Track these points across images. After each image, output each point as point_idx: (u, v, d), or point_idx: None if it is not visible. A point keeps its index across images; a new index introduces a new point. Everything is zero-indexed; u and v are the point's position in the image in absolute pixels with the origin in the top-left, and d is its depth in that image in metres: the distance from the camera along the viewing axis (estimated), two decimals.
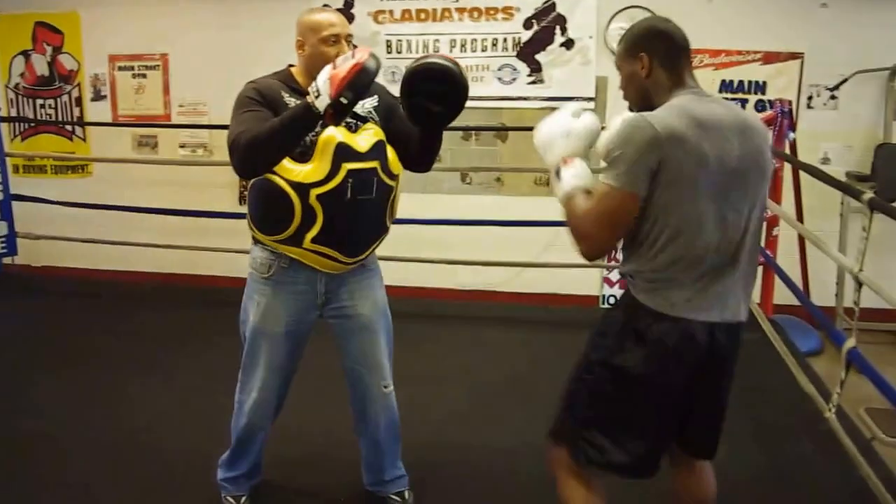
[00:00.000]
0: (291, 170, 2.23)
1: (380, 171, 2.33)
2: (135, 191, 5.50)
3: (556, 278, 4.96)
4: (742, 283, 1.92)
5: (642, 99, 1.95)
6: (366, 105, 2.40)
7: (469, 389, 3.72)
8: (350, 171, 2.25)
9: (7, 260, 5.62)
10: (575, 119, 2.00)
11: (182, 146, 5.61)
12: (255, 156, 2.16)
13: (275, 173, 2.23)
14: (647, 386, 1.89)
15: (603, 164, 1.85)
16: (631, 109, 2.01)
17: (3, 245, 5.47)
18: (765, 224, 4.41)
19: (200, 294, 5.28)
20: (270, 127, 2.14)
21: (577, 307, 4.90)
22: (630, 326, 1.90)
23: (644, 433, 1.94)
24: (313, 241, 2.29)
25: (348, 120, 2.29)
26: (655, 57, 1.91)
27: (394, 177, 2.41)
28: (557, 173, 1.96)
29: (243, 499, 2.69)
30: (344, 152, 2.25)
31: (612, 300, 4.98)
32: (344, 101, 2.04)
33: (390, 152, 2.40)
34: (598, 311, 4.85)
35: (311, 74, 2.21)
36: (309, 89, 2.10)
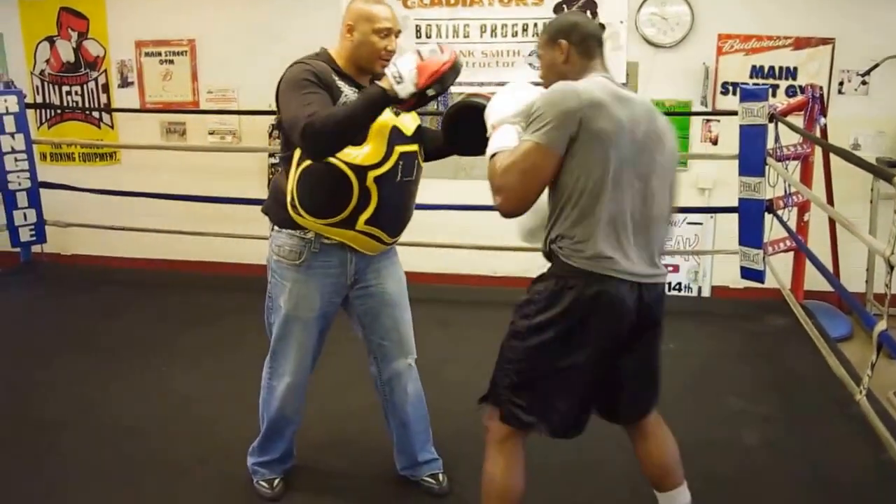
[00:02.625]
0: (349, 153, 2.27)
1: (419, 153, 2.47)
2: (163, 178, 5.51)
3: None
4: (657, 248, 2.07)
5: (560, 81, 2.08)
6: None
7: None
8: (401, 154, 2.36)
9: (36, 248, 5.64)
10: (515, 92, 2.11)
11: (211, 133, 5.61)
12: (331, 138, 2.17)
13: (335, 156, 2.27)
14: (577, 345, 1.98)
15: (524, 124, 1.98)
16: None
17: (32, 233, 5.50)
18: (795, 209, 4.47)
19: (228, 281, 5.29)
20: (348, 110, 2.18)
21: None
22: (558, 289, 1.97)
23: (573, 392, 2.05)
24: (366, 222, 2.36)
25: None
26: (573, 45, 2.09)
27: (426, 158, 2.55)
28: (489, 138, 2.08)
29: (276, 482, 2.71)
30: (396, 135, 2.35)
31: None
32: (431, 92, 2.12)
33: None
34: None
35: (355, 61, 2.37)
36: (387, 73, 2.13)
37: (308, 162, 2.31)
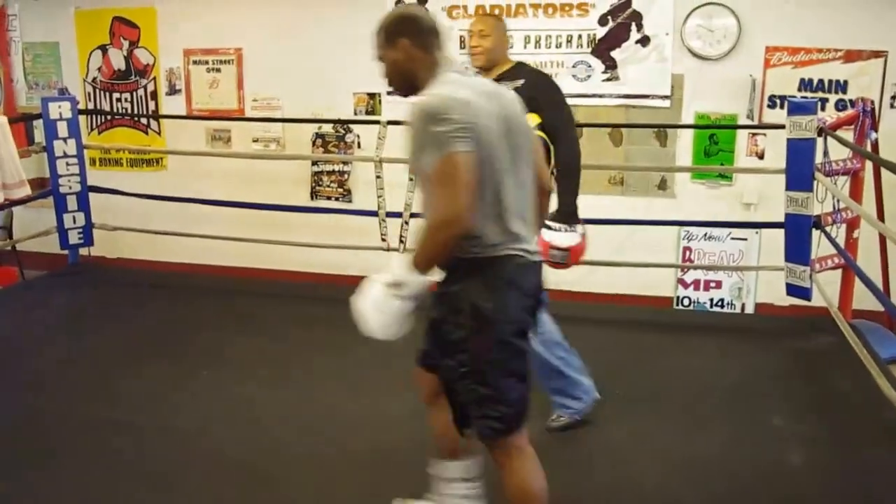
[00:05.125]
0: None
1: None
2: (208, 184, 5.60)
3: (629, 278, 4.92)
4: (534, 230, 2.17)
5: (407, 82, 2.07)
6: (509, 86, 2.61)
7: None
8: None
9: (83, 251, 5.76)
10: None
11: (255, 140, 5.69)
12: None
13: None
14: (511, 326, 2.01)
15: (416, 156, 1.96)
16: (400, 95, 2.15)
17: (80, 236, 5.61)
18: (844, 226, 4.37)
19: (273, 287, 5.35)
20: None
21: (649, 308, 4.86)
22: (477, 283, 1.99)
23: (523, 375, 2.08)
24: None
25: None
26: (412, 41, 2.04)
27: None
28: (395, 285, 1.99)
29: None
30: None
31: (685, 301, 4.93)
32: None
33: None
34: (672, 313, 4.87)
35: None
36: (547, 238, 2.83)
37: None
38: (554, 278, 4.91)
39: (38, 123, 5.70)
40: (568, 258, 2.82)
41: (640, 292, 5.00)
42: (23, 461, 2.97)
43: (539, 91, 2.88)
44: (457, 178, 1.86)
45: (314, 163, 5.56)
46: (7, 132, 5.17)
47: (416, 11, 2.13)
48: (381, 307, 2.01)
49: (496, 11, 5.07)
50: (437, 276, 2.03)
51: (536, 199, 2.15)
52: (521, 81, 2.88)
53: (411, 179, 4.74)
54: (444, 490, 2.34)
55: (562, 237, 2.81)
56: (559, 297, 4.95)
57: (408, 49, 2.04)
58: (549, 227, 2.83)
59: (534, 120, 2.81)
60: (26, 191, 5.25)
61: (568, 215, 2.87)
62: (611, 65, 4.97)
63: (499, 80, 2.89)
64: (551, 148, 2.92)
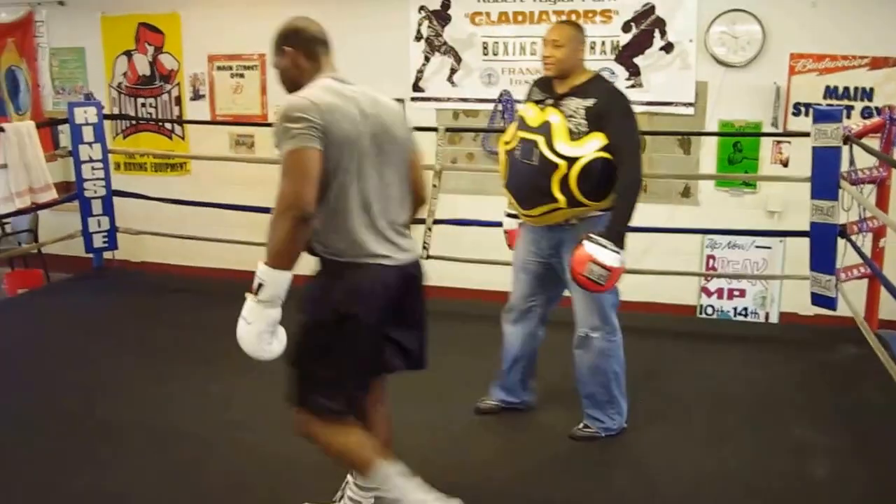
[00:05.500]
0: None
1: (541, 144, 2.88)
2: (231, 189, 5.62)
3: (653, 286, 4.89)
4: (404, 228, 2.31)
5: (294, 86, 2.25)
6: (577, 103, 2.89)
7: (561, 396, 3.55)
8: (521, 139, 2.98)
9: (107, 254, 5.82)
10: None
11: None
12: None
13: None
14: (358, 326, 2.19)
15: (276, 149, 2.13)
16: None
17: (105, 239, 5.67)
18: (870, 235, 4.32)
19: (295, 292, 5.36)
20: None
21: (673, 316, 4.83)
22: (332, 283, 2.21)
23: (363, 370, 2.30)
24: (506, 185, 3.12)
25: (543, 99, 3.00)
26: (297, 50, 2.25)
27: (560, 156, 2.85)
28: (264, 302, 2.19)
29: None
30: (521, 123, 3.04)
31: (709, 310, 4.90)
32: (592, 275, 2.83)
33: (557, 136, 2.87)
34: (695, 322, 4.83)
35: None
36: (590, 250, 2.83)
37: None
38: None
39: (64, 128, 5.79)
40: (607, 278, 2.80)
41: (663, 300, 4.97)
42: (39, 460, 3.01)
43: (609, 112, 2.86)
44: (299, 170, 2.04)
45: None
46: (34, 136, 5.24)
47: (301, 23, 2.32)
48: (248, 318, 2.17)
49: (519, 18, 5.09)
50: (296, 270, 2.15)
51: (408, 206, 2.35)
52: (592, 101, 2.87)
53: (435, 186, 4.75)
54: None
55: (606, 255, 2.79)
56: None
57: (293, 57, 2.26)
58: (597, 243, 2.81)
59: (599, 140, 2.83)
60: (52, 194, 5.32)
61: (617, 237, 2.84)
62: (634, 72, 4.96)
63: (570, 94, 2.93)
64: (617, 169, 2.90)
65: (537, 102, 3.02)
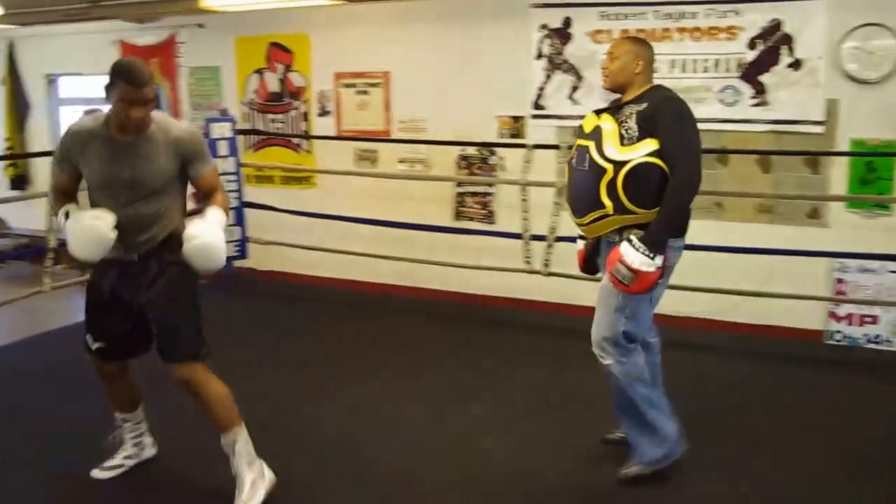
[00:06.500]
0: None
1: (592, 149, 2.85)
2: (355, 203, 5.82)
3: (777, 310, 4.77)
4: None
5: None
6: (631, 108, 2.85)
7: (686, 419, 3.49)
8: (578, 146, 2.97)
9: (237, 263, 6.12)
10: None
11: (401, 161, 5.87)
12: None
13: None
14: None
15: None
16: None
17: (237, 249, 5.97)
18: None
19: (415, 305, 5.52)
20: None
21: (798, 341, 4.70)
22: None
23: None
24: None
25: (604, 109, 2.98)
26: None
27: (608, 160, 2.79)
28: None
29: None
30: (579, 131, 3.03)
31: (837, 336, 4.73)
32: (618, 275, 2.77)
33: (608, 141, 2.82)
34: (822, 348, 4.68)
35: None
36: (625, 251, 2.77)
37: None
38: (692, 308, 4.93)
39: None
40: (633, 281, 2.71)
41: (787, 324, 4.84)
42: (185, 459, 3.21)
43: (660, 116, 2.77)
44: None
45: (458, 184, 5.70)
46: None
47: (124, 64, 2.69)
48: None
49: (641, 36, 5.07)
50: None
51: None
52: (645, 105, 2.82)
53: (557, 203, 4.80)
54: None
55: (635, 257, 2.69)
56: (696, 325, 4.94)
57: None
58: (631, 243, 2.72)
59: (650, 145, 2.75)
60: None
61: (652, 243, 2.72)
62: (760, 89, 4.86)
63: (628, 102, 2.89)
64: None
65: (597, 112, 2.99)
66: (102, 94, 2.64)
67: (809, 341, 4.69)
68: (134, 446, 3.17)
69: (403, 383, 4.06)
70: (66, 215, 2.67)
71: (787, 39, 4.79)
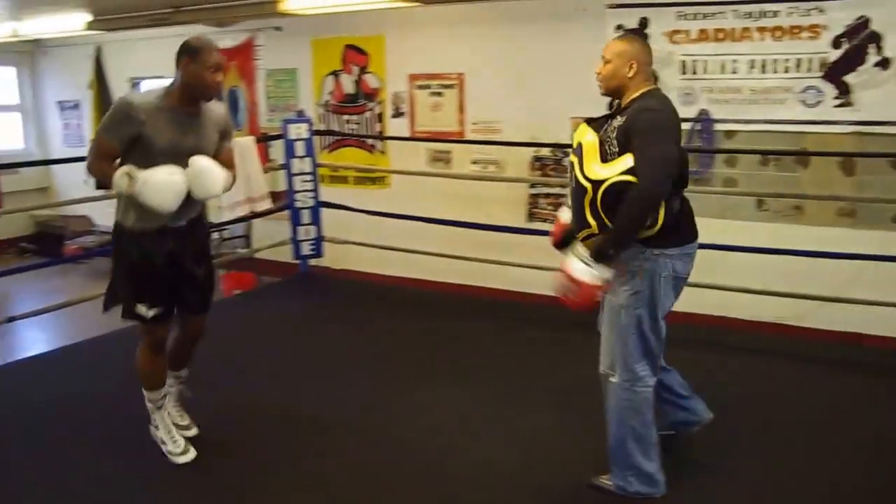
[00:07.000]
0: None
1: (575, 166, 2.73)
2: (428, 203, 5.88)
3: (860, 316, 4.64)
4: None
5: None
6: (616, 122, 2.69)
7: (753, 427, 3.51)
8: (570, 162, 2.79)
9: (313, 262, 6.25)
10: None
11: (474, 162, 5.91)
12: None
13: None
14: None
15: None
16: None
17: (312, 247, 6.10)
18: None
19: (486, 305, 5.55)
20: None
21: (881, 349, 4.57)
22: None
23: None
24: None
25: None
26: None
27: (587, 179, 2.67)
28: None
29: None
30: (576, 147, 2.79)
31: None
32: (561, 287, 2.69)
33: (589, 158, 2.69)
34: None
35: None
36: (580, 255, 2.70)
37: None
38: (772, 311, 4.83)
39: (275, 142, 6.27)
40: (575, 293, 2.60)
41: (871, 332, 4.70)
42: (260, 449, 3.29)
43: (630, 132, 2.61)
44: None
45: (532, 185, 5.71)
46: (253, 151, 5.74)
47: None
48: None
49: (720, 35, 5.00)
50: None
51: None
52: (625, 118, 2.66)
53: None
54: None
55: (578, 268, 2.60)
56: (774, 331, 4.85)
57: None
58: (578, 255, 2.64)
59: (628, 161, 2.60)
60: (268, 204, 5.79)
61: (597, 253, 2.61)
62: (844, 90, 4.74)
63: (618, 112, 2.74)
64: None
65: (587, 122, 2.80)
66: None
67: (893, 350, 4.55)
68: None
69: (476, 384, 4.08)
70: (129, 176, 2.87)
71: (875, 38, 4.66)
